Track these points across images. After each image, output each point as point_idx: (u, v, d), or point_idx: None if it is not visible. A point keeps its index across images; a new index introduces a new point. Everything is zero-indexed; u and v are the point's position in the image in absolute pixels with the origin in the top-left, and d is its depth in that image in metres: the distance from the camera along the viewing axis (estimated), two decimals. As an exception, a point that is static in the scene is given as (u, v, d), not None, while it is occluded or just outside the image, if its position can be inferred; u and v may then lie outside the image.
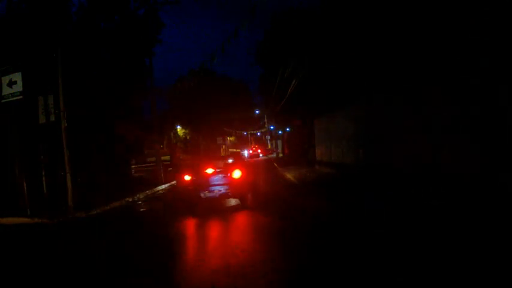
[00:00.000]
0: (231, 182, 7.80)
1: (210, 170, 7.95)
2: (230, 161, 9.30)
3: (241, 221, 7.04)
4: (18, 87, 8.65)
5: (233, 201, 8.48)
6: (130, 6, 15.23)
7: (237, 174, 7.86)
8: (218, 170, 8.00)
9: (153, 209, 9.75)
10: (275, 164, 26.16)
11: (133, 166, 22.50)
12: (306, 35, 18.25)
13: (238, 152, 32.49)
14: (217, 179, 7.87)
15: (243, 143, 62.11)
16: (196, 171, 7.97)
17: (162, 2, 15.49)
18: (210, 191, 7.73)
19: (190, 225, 7.06)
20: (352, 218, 6.42)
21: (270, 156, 45.82)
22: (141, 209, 9.80)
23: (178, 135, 49.44)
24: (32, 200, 9.22)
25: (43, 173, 9.71)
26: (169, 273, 4.20)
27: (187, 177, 7.95)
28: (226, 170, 8.02)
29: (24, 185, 8.97)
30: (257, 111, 50.63)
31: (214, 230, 6.65)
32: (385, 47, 12.53)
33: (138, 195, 12.22)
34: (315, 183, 12.23)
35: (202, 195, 7.69)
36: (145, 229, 7.14)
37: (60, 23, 9.89)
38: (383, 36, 12.44)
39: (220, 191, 7.74)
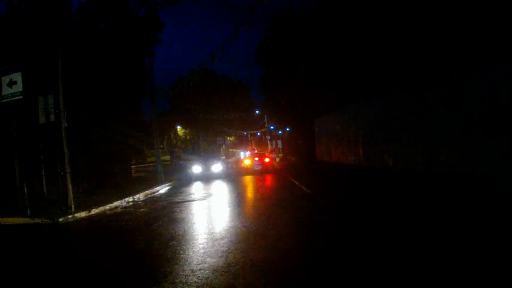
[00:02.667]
0: (263, 163, 20.15)
1: (256, 158, 20.43)
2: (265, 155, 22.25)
3: (268, 175, 17.93)
4: (18, 87, 8.64)
5: (264, 170, 19.75)
6: (130, 6, 15.23)
7: (266, 160, 20.42)
8: (259, 159, 20.35)
9: (153, 209, 9.74)
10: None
11: (133, 166, 22.52)
12: (306, 35, 18.24)
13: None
14: (258, 162, 20.17)
15: (243, 143, 62.09)
16: (251, 159, 20.65)
17: (162, 2, 15.48)
18: (257, 166, 19.92)
19: (249, 177, 17.38)
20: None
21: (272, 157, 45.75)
22: (141, 209, 9.80)
23: (178, 135, 49.41)
24: (32, 200, 9.22)
25: (43, 173, 9.72)
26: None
27: (247, 162, 21.52)
28: (262, 158, 20.60)
29: (24, 184, 8.97)
30: (257, 111, 50.61)
31: (258, 178, 16.93)
32: (384, 47, 12.53)
33: (138, 195, 12.21)
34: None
35: (254, 168, 19.86)
36: (147, 229, 7.15)
37: (60, 23, 9.88)
38: (382, 37, 12.45)
39: (260, 166, 19.92)
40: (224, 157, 48.84)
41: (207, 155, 22.05)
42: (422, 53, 10.52)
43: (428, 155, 10.36)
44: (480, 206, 6.72)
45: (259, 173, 19.16)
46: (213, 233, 6.28)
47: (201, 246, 5.41)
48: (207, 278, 4.04)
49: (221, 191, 12.90)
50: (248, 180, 16.32)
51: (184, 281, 4.00)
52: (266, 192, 12.60)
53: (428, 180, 9.81)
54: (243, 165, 22.10)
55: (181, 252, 5.17)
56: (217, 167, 17.41)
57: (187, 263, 4.64)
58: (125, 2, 15.06)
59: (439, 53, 9.83)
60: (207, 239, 5.83)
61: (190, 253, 5.09)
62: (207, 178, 16.78)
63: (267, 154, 22.86)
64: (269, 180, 16.10)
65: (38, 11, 10.83)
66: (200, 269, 4.33)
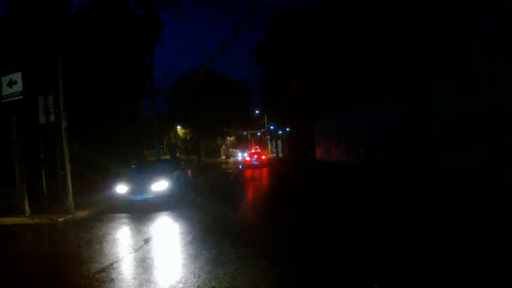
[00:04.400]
0: (260, 159, 27.99)
1: (255, 156, 28.44)
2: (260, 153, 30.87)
3: (263, 168, 25.97)
4: (18, 87, 8.65)
5: (260, 165, 27.30)
6: (130, 6, 15.24)
7: (263, 157, 28.95)
8: (257, 156, 28.45)
9: (154, 210, 9.74)
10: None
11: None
12: (306, 35, 18.23)
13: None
14: (256, 159, 27.86)
15: (243, 143, 62.04)
16: (250, 156, 28.81)
17: (162, 2, 15.49)
18: (255, 162, 27.40)
19: (249, 170, 24.91)
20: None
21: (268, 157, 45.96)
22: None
23: (178, 135, 49.38)
24: (32, 199, 9.23)
25: (43, 173, 9.73)
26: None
27: (248, 158, 28.75)
28: (259, 156, 28.86)
29: (24, 184, 8.97)
30: (257, 111, 50.62)
31: (256, 170, 24.38)
32: (383, 47, 12.52)
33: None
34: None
35: (252, 163, 27.42)
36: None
37: (60, 23, 9.88)
38: (382, 37, 12.43)
39: (257, 162, 27.39)
40: (224, 157, 48.84)
41: (155, 163, 14.21)
42: (419, 52, 10.51)
43: (430, 156, 10.36)
44: (478, 203, 6.73)
45: (257, 167, 26.64)
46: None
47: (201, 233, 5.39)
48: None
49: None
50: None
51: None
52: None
53: (429, 181, 9.80)
54: (244, 161, 29.87)
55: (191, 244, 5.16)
56: (159, 186, 9.77)
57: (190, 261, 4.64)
58: (125, 2, 15.06)
59: (436, 51, 9.82)
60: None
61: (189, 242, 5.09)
62: (129, 210, 9.37)
63: (263, 153, 32.22)
64: (264, 173, 22.13)
65: (38, 11, 10.83)
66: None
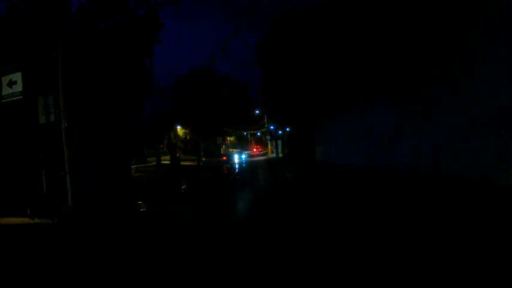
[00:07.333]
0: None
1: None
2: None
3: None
4: (18, 87, 8.66)
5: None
6: (130, 6, 15.20)
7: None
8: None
9: (154, 209, 9.76)
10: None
11: (133, 166, 22.51)
12: (306, 35, 18.22)
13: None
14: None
15: (243, 143, 62.04)
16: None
17: (162, 2, 15.45)
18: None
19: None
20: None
21: (263, 158, 45.78)
22: (141, 209, 9.81)
23: (178, 135, 49.38)
24: (32, 200, 9.22)
25: (43, 173, 9.72)
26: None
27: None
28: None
29: (24, 184, 8.97)
30: (257, 111, 50.59)
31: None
32: (383, 47, 12.51)
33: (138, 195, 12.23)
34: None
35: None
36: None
37: (60, 23, 9.88)
38: (383, 37, 12.42)
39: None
40: (224, 158, 48.81)
41: None
42: (416, 54, 10.50)
43: (433, 157, 10.35)
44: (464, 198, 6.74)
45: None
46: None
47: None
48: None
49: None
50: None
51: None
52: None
53: (431, 181, 9.80)
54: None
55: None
56: None
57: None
58: (125, 2, 15.03)
59: (435, 51, 9.82)
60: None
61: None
62: None
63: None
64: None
65: (38, 11, 10.82)
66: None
